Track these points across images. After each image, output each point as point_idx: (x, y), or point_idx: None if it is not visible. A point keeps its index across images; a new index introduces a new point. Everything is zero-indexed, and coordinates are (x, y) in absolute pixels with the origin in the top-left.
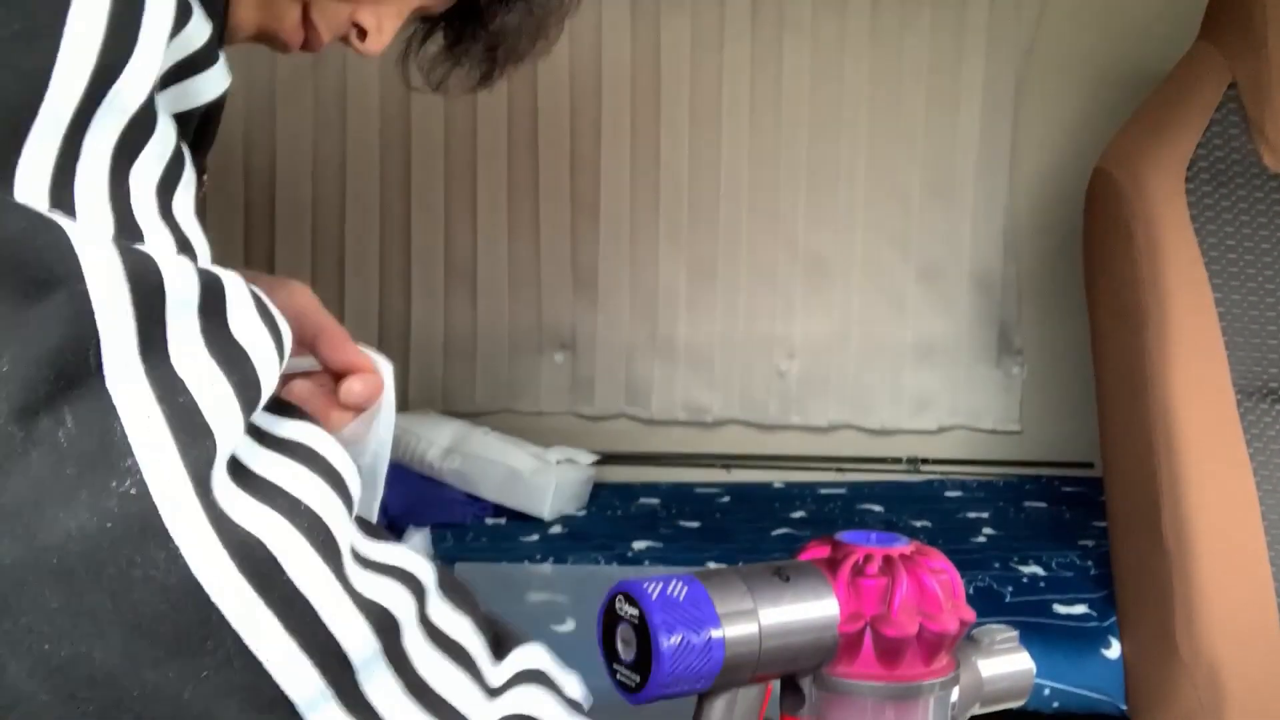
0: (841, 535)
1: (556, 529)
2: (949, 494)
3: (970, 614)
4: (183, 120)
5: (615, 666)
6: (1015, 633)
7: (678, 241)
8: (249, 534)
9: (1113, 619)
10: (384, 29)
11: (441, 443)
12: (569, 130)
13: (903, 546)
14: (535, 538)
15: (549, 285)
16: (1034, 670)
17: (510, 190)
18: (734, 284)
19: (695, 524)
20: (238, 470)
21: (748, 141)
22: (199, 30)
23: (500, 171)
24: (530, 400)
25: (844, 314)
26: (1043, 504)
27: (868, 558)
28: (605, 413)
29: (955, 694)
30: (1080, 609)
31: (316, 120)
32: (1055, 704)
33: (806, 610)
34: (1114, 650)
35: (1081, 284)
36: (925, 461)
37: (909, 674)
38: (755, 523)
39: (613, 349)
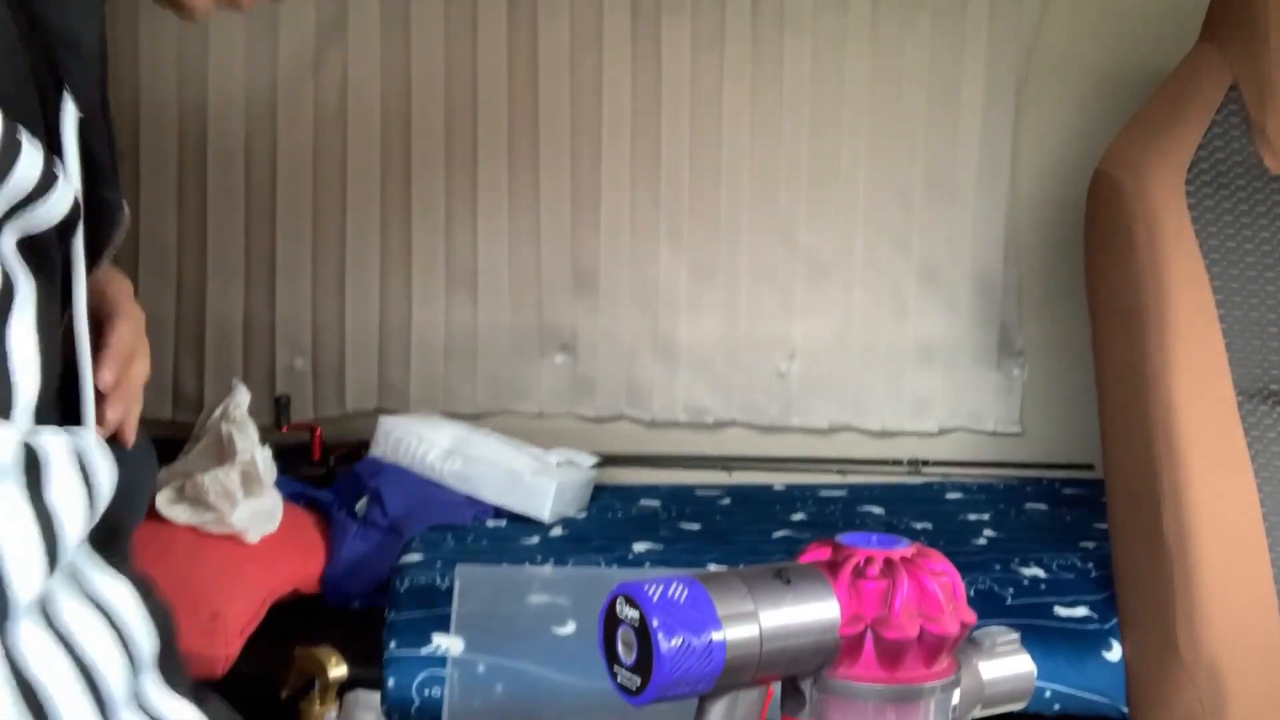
0: (842, 537)
1: (557, 531)
2: (950, 496)
3: (971, 616)
4: (40, 241)
5: (616, 669)
6: (1016, 635)
7: (678, 242)
8: (35, 677)
9: (1114, 621)
10: None
11: (442, 444)
12: (569, 130)
13: (904, 549)
14: (536, 540)
15: (549, 286)
16: (1035, 673)
17: (511, 191)
18: (734, 285)
19: (696, 526)
20: (47, 611)
21: (748, 142)
22: (30, 165)
23: (501, 172)
24: (531, 402)
25: (844, 315)
26: (1043, 506)
27: (868, 560)
28: (606, 414)
29: (956, 696)
30: (1081, 611)
31: (316, 120)
32: (1056, 706)
33: (807, 613)
34: (1115, 652)
35: (1082, 286)
36: (926, 463)
37: (910, 676)
38: (756, 524)
39: (613, 350)
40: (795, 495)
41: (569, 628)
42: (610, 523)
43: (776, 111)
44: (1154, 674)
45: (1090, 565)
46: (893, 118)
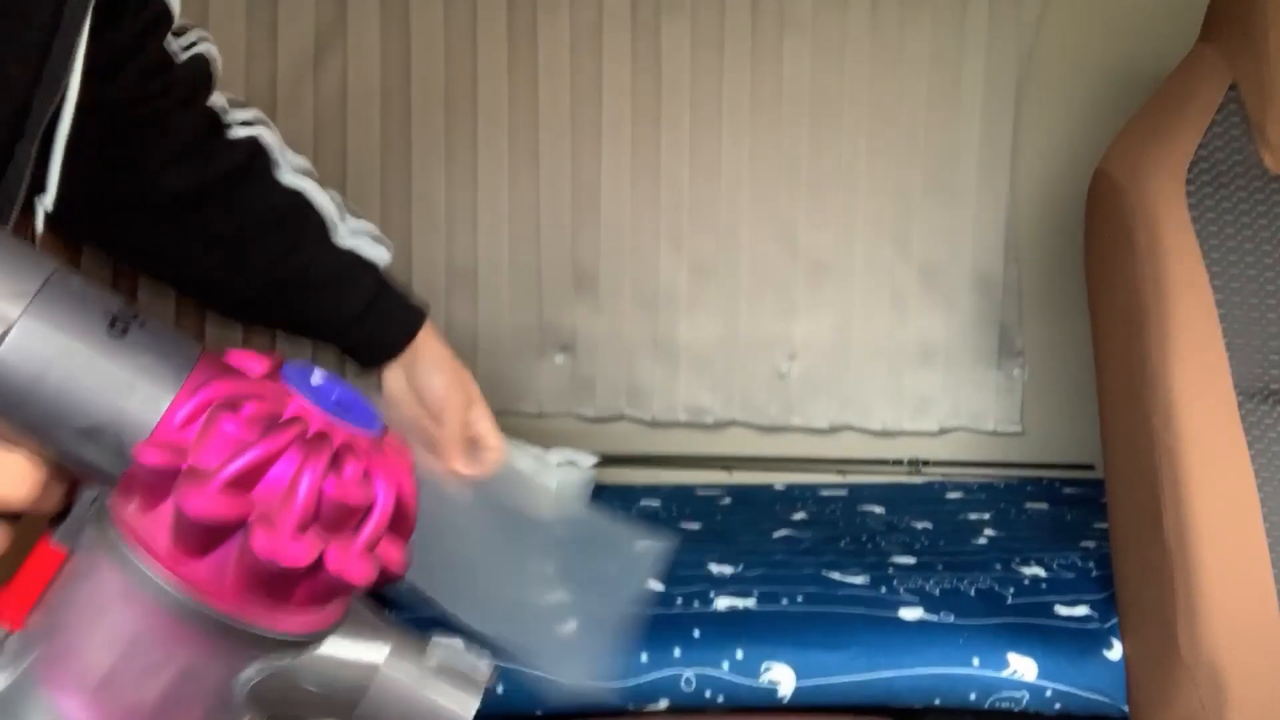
0: (291, 367)
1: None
2: (950, 495)
3: (397, 560)
4: None
5: None
6: (486, 669)
7: (678, 242)
8: None
9: (1114, 620)
10: None
11: None
12: (569, 130)
13: (367, 431)
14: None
15: (549, 286)
16: None
17: (511, 191)
18: (734, 285)
19: (696, 526)
20: None
21: (748, 142)
22: None
23: (501, 172)
24: (531, 402)
25: (844, 315)
26: (1044, 505)
27: (295, 418)
28: (606, 414)
29: (283, 664)
30: (1082, 610)
31: (316, 120)
32: (1057, 705)
33: (102, 378)
34: (1115, 651)
35: (1082, 286)
36: (926, 463)
37: (214, 590)
38: (756, 524)
39: (613, 350)
40: (796, 495)
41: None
42: None
43: (776, 111)
44: (1154, 673)
45: (1091, 565)
46: (893, 118)
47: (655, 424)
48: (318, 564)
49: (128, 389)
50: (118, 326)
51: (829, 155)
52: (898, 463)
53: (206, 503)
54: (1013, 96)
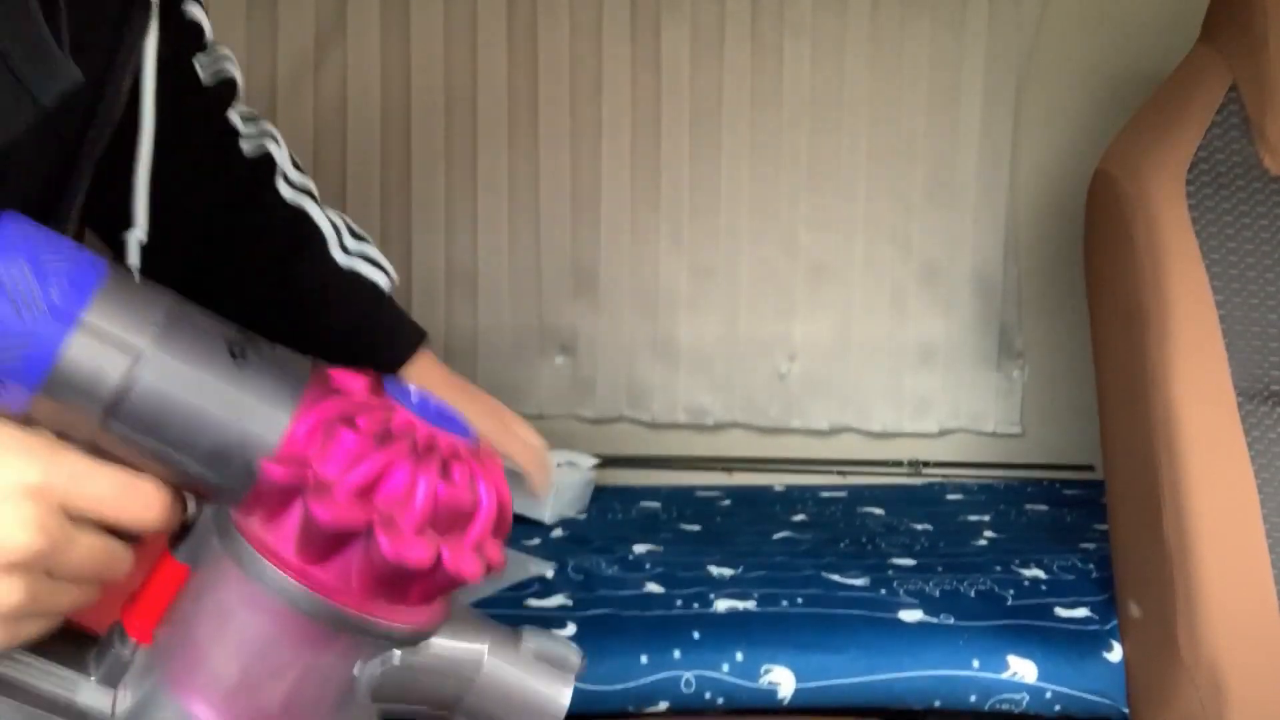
0: (389, 383)
1: (558, 532)
2: (950, 497)
3: (499, 558)
4: None
5: None
6: (576, 657)
7: (678, 243)
8: None
9: (1114, 622)
10: None
11: None
12: (569, 130)
13: (464, 439)
14: (536, 541)
15: (549, 287)
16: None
17: (510, 191)
18: (734, 285)
19: (696, 527)
20: None
21: (748, 143)
22: None
23: (500, 172)
24: (531, 403)
25: (844, 316)
26: (1044, 507)
27: (406, 427)
28: (606, 415)
29: (397, 659)
30: (1082, 612)
31: (316, 121)
32: (1057, 707)
33: (226, 401)
34: (1115, 653)
35: (1082, 286)
36: (926, 464)
37: (339, 587)
38: (756, 526)
39: (613, 351)
40: (795, 496)
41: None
42: (610, 524)
43: (776, 112)
44: (1154, 674)
45: (1091, 566)
46: (893, 118)
47: (655, 425)
48: (436, 563)
49: (250, 411)
50: (236, 352)
51: (829, 155)
52: (898, 464)
53: (336, 511)
54: (1013, 97)
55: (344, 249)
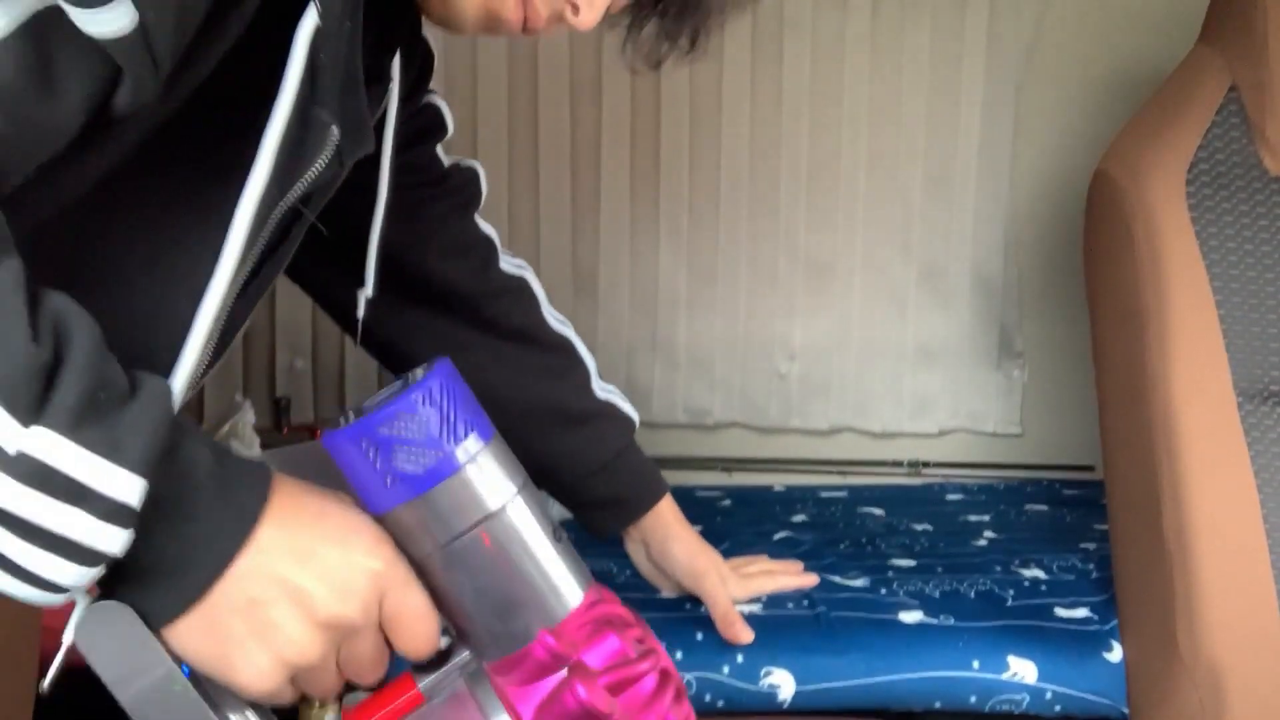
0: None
1: None
2: (950, 497)
3: None
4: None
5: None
6: None
7: (678, 242)
8: None
9: (1114, 622)
10: (595, 3)
11: None
12: (569, 130)
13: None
14: None
15: (549, 287)
16: None
17: (510, 191)
18: (734, 285)
19: (696, 527)
20: None
21: (748, 142)
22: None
23: (500, 172)
24: None
25: (844, 316)
26: (1044, 507)
27: (653, 646)
28: None
29: None
30: (1082, 612)
31: None
32: (1057, 708)
33: (542, 570)
34: (1115, 653)
35: (1082, 286)
36: (926, 464)
37: None
38: (756, 526)
39: (613, 351)
40: (795, 497)
41: None
42: None
43: (776, 111)
44: (1154, 675)
45: (1091, 566)
46: (893, 118)
47: (655, 425)
48: None
49: (552, 586)
50: (557, 533)
51: (829, 155)
52: (897, 464)
53: (592, 695)
54: (1012, 97)
55: (601, 384)
